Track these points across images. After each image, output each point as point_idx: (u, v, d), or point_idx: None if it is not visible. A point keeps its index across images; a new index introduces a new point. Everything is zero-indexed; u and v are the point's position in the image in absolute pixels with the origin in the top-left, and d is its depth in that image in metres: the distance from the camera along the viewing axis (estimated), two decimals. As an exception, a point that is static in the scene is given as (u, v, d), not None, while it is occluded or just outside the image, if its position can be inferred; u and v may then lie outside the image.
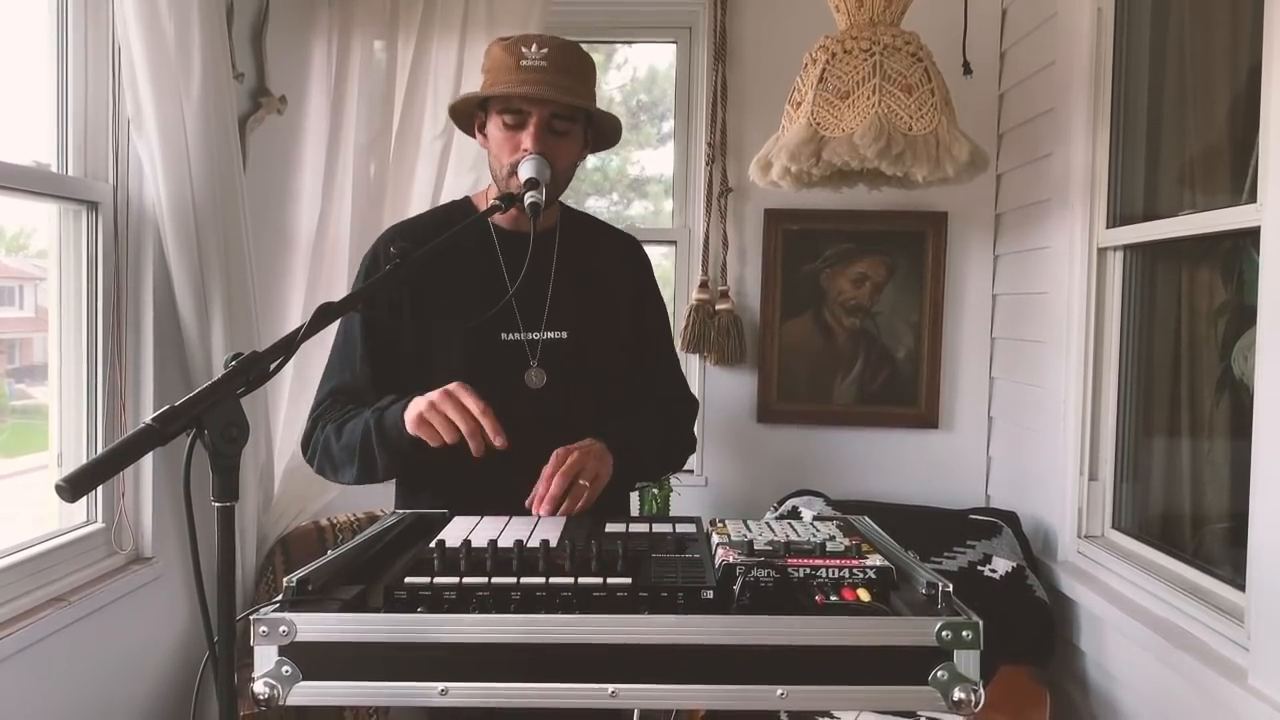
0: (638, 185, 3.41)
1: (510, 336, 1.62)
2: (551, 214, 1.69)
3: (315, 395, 1.67)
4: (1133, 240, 2.28)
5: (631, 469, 1.59)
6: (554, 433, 1.51)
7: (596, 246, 1.76)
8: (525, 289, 1.60)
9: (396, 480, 1.67)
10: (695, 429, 1.85)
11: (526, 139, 1.54)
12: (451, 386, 1.39)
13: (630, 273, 1.78)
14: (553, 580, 1.05)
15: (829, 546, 1.16)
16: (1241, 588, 1.77)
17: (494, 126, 1.60)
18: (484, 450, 1.36)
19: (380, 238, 1.71)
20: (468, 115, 1.68)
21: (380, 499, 2.68)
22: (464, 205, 1.75)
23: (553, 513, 1.41)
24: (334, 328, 1.51)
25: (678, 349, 3.04)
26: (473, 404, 1.37)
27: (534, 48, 1.55)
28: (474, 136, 1.70)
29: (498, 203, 1.50)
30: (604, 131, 1.68)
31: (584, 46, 1.64)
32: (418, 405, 1.41)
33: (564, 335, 1.64)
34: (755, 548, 1.14)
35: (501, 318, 1.59)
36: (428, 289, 1.61)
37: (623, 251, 1.79)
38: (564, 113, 1.56)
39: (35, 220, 2.15)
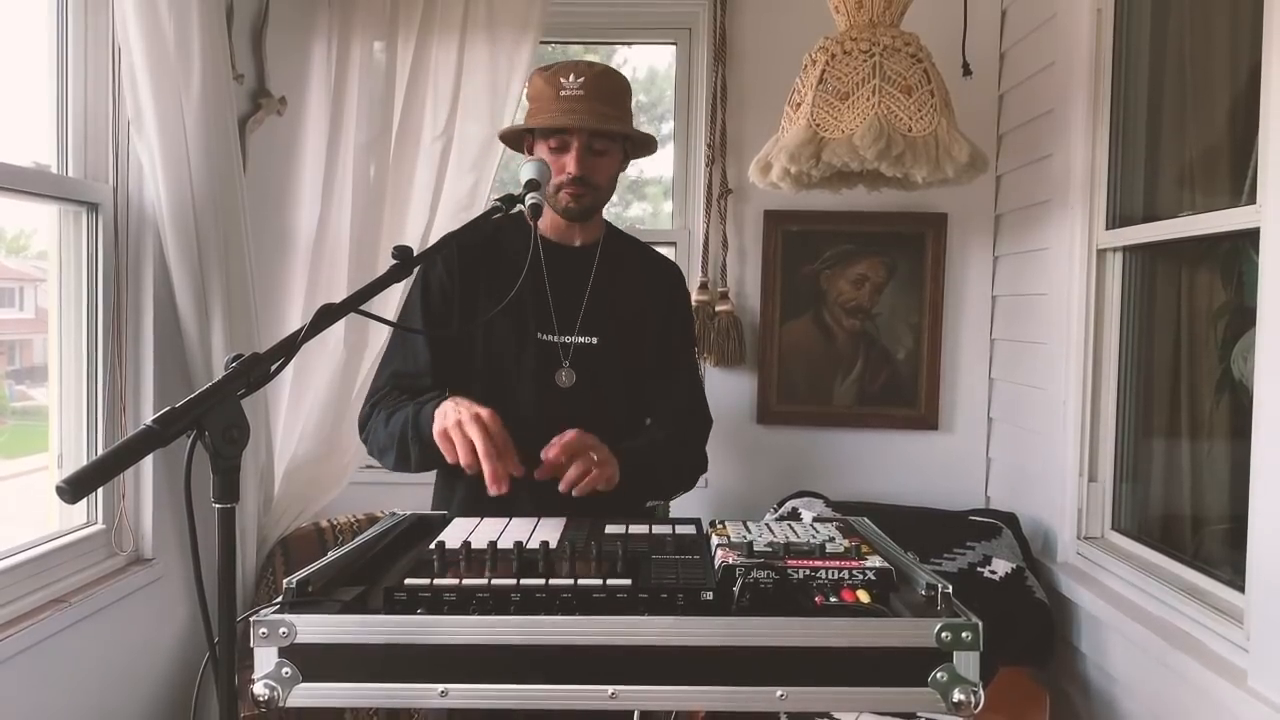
0: (637, 187, 3.41)
1: (546, 337, 1.74)
2: (597, 228, 1.84)
3: (374, 380, 1.78)
4: (1132, 241, 2.28)
5: (639, 480, 1.65)
6: (579, 428, 1.56)
7: (636, 265, 1.88)
8: (564, 294, 1.76)
9: (437, 470, 1.75)
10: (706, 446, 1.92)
11: (570, 162, 1.68)
12: (482, 412, 1.44)
13: (665, 294, 1.89)
14: (552, 582, 1.05)
15: (829, 548, 1.16)
16: (1241, 589, 1.77)
17: (541, 151, 1.73)
18: (498, 483, 1.40)
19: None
20: (518, 138, 1.81)
21: (380, 500, 2.69)
22: (517, 216, 1.78)
23: (548, 475, 1.48)
24: (336, 330, 1.53)
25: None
26: (496, 434, 1.42)
27: (571, 77, 1.69)
28: (527, 156, 1.81)
29: (499, 204, 1.53)
30: (641, 142, 1.82)
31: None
32: (445, 416, 1.47)
33: (594, 340, 1.76)
34: (755, 549, 1.14)
35: (539, 319, 1.74)
36: (476, 285, 1.75)
37: (660, 274, 1.91)
38: (602, 134, 1.69)
39: (35, 222, 2.16)
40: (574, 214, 1.73)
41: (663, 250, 3.16)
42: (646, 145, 1.84)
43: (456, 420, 1.44)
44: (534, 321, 1.74)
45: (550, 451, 1.48)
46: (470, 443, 1.41)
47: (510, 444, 1.43)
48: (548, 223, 1.77)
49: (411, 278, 1.75)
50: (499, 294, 1.69)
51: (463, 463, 1.42)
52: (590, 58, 1.75)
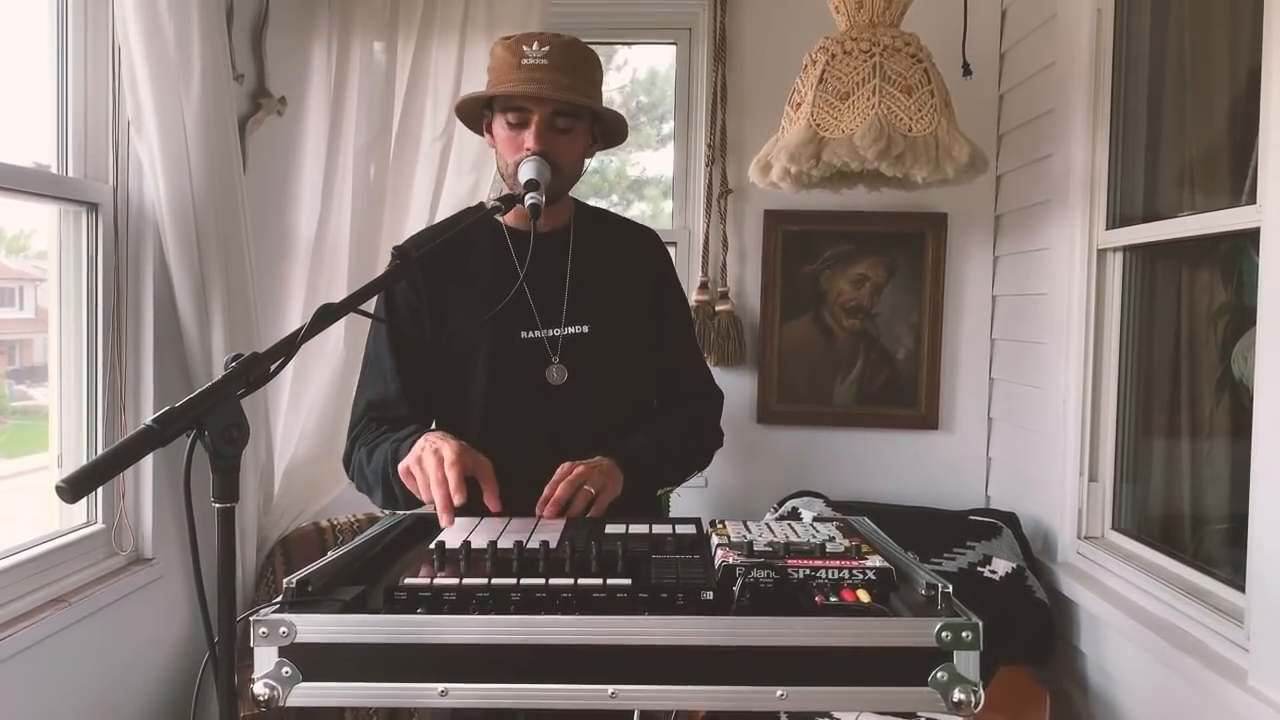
0: (637, 186, 3.41)
1: (529, 334, 1.62)
2: (564, 211, 1.70)
3: (352, 411, 1.69)
4: (1132, 241, 2.28)
5: (644, 482, 1.57)
6: (579, 428, 1.53)
7: (613, 241, 1.75)
8: (542, 286, 1.62)
9: None
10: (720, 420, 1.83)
11: (529, 138, 1.55)
12: (443, 449, 1.38)
13: (649, 265, 1.76)
14: (552, 581, 1.05)
15: (829, 547, 1.16)
16: (1241, 588, 1.77)
17: (499, 126, 1.60)
18: (451, 520, 1.34)
19: (398, 245, 1.72)
20: (475, 115, 1.68)
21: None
22: (479, 210, 1.75)
23: (556, 515, 1.41)
24: (336, 330, 1.52)
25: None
26: (452, 475, 1.35)
27: (535, 46, 1.55)
28: (482, 135, 1.70)
29: (498, 204, 1.50)
30: (611, 129, 1.69)
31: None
32: (410, 454, 1.42)
33: (585, 329, 1.63)
34: (755, 549, 1.14)
35: (519, 316, 1.60)
36: (445, 292, 1.63)
37: (641, 244, 1.78)
38: (566, 110, 1.56)
39: (35, 221, 2.15)
40: (533, 209, 1.49)
41: (662, 250, 3.19)
42: (616, 132, 1.69)
43: (417, 458, 1.40)
44: (514, 320, 1.60)
45: (556, 493, 1.42)
46: (426, 483, 1.37)
47: (478, 470, 1.38)
48: (512, 211, 1.56)
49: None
50: (470, 298, 1.62)
51: (423, 499, 1.40)
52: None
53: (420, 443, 1.43)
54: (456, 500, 1.35)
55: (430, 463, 1.38)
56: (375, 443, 1.58)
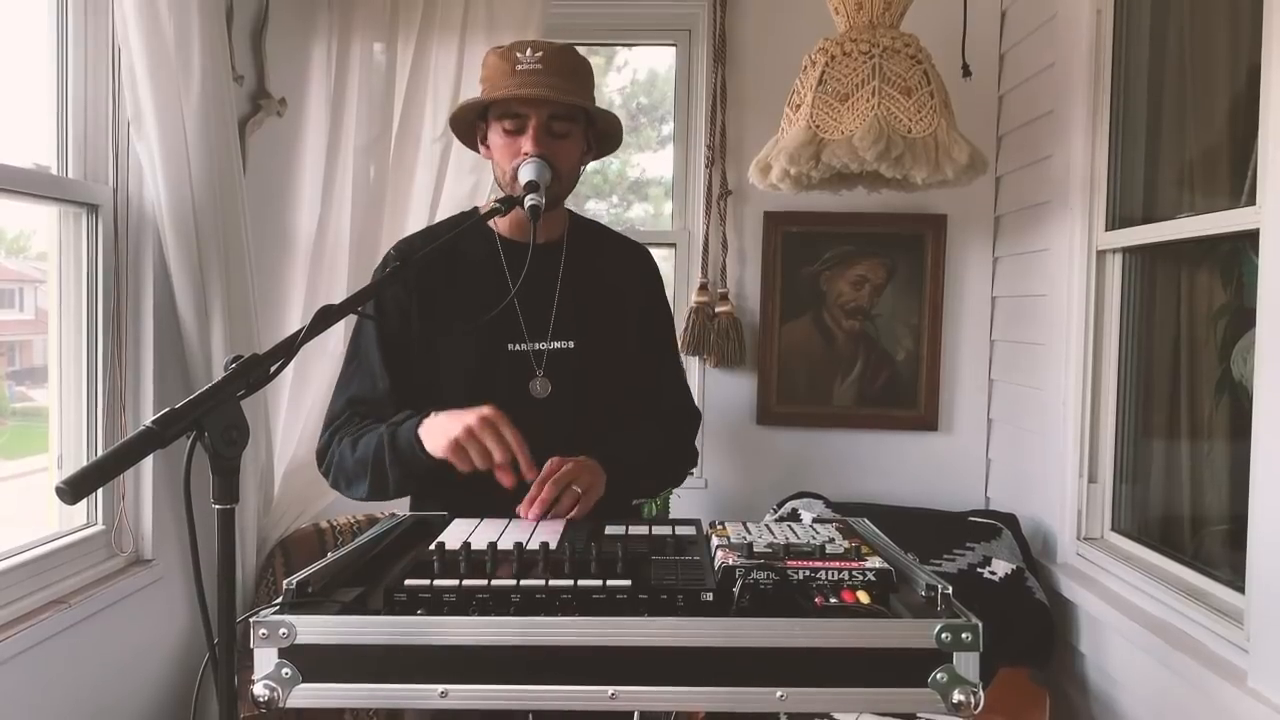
0: (638, 187, 3.41)
1: (516, 347, 1.61)
2: (559, 223, 1.69)
3: (330, 407, 1.66)
4: (1132, 243, 2.28)
5: (624, 485, 1.57)
6: (559, 442, 1.51)
7: (605, 256, 1.75)
8: (531, 299, 1.61)
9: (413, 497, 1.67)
10: (696, 439, 1.85)
11: (526, 142, 1.54)
12: (488, 413, 1.39)
13: (639, 283, 1.77)
14: (552, 583, 1.05)
15: (828, 549, 1.16)
16: (1241, 590, 1.77)
17: (495, 134, 1.60)
18: (514, 481, 1.37)
19: (393, 246, 1.71)
20: (470, 128, 1.67)
21: (380, 501, 2.69)
22: (473, 215, 1.74)
23: (541, 516, 1.41)
24: (336, 330, 1.51)
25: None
26: (510, 435, 1.38)
27: (528, 52, 1.55)
28: (477, 150, 1.69)
29: (498, 205, 1.49)
30: (607, 135, 1.68)
31: (584, 49, 1.64)
32: (448, 429, 1.40)
33: (570, 345, 1.63)
34: (755, 550, 1.14)
35: (507, 328, 1.59)
36: (435, 297, 1.62)
37: (632, 261, 1.78)
38: (562, 113, 1.56)
39: (35, 223, 2.15)
40: (533, 211, 1.49)
41: (663, 251, 3.20)
42: (612, 139, 1.69)
43: (467, 428, 1.37)
44: (502, 332, 1.59)
45: (541, 494, 1.42)
46: (485, 448, 1.37)
47: (523, 442, 1.38)
48: (506, 219, 1.60)
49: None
50: (460, 304, 1.61)
51: (480, 467, 1.38)
52: (592, 59, 1.69)
53: (443, 420, 1.42)
54: (530, 477, 1.39)
55: (490, 438, 1.37)
56: (360, 433, 1.56)
